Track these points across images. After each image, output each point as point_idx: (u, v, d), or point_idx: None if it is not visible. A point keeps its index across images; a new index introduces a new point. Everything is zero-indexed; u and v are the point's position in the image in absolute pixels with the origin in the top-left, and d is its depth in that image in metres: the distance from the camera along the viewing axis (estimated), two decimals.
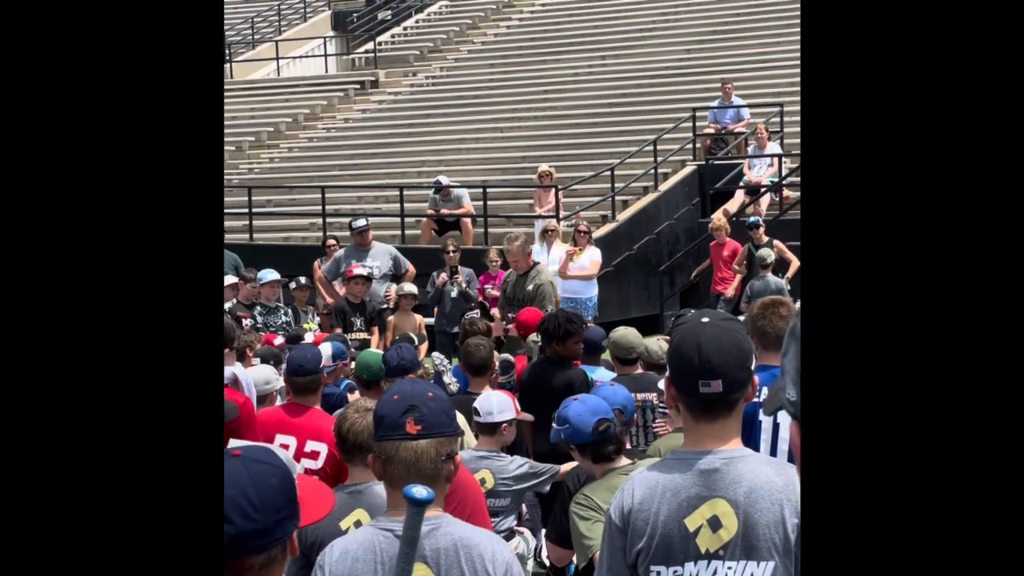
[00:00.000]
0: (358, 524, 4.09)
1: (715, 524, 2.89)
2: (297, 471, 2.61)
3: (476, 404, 6.07)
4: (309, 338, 10.11)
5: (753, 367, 2.99)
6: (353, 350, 9.87)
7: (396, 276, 12.61)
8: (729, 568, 2.89)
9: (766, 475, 2.91)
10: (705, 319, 2.96)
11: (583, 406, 4.57)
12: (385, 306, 12.03)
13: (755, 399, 3.15)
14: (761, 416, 4.40)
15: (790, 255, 15.51)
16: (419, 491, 2.62)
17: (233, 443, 2.54)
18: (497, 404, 6.08)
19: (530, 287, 10.63)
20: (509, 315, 10.20)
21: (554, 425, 4.70)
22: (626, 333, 7.52)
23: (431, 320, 12.71)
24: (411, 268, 12.68)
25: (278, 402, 6.68)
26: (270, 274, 12.12)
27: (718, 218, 16.74)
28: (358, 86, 26.95)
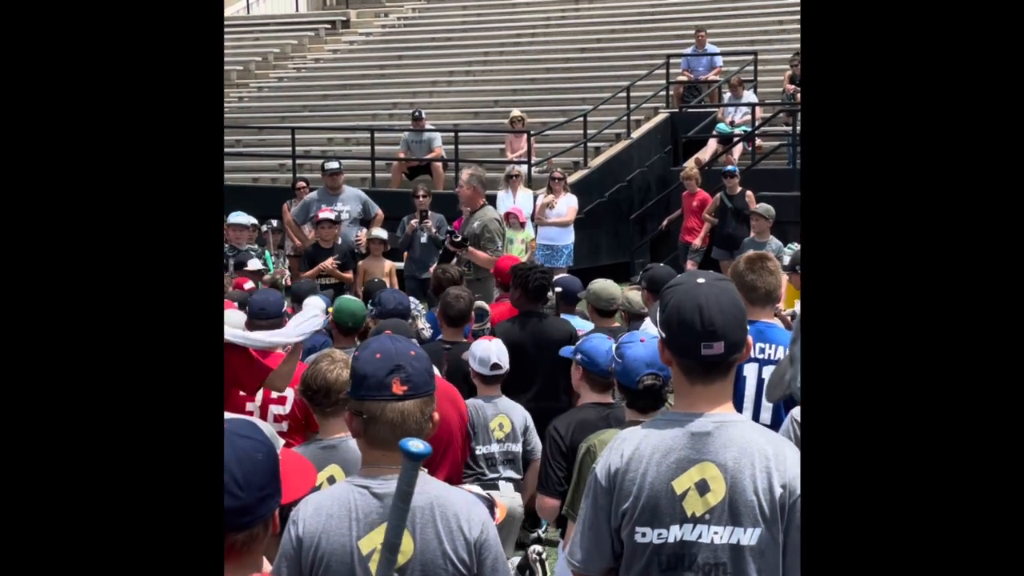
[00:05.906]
0: (332, 480, 4.01)
1: (703, 488, 2.84)
2: (280, 446, 2.55)
3: (494, 359, 6.14)
4: (254, 264, 10.08)
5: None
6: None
7: (365, 220, 12.44)
8: (715, 533, 2.84)
9: (757, 442, 2.86)
10: (700, 279, 2.88)
11: (644, 352, 4.29)
12: (357, 250, 11.89)
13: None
14: (746, 372, 4.34)
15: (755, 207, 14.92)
16: (416, 444, 2.54)
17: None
18: (506, 354, 6.21)
19: (475, 224, 9.78)
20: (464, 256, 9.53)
21: (610, 348, 4.54)
22: (607, 285, 7.49)
23: (401, 265, 12.60)
24: (380, 213, 12.53)
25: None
26: (239, 216, 11.92)
27: (690, 167, 16.62)
28: (329, 26, 26.63)
